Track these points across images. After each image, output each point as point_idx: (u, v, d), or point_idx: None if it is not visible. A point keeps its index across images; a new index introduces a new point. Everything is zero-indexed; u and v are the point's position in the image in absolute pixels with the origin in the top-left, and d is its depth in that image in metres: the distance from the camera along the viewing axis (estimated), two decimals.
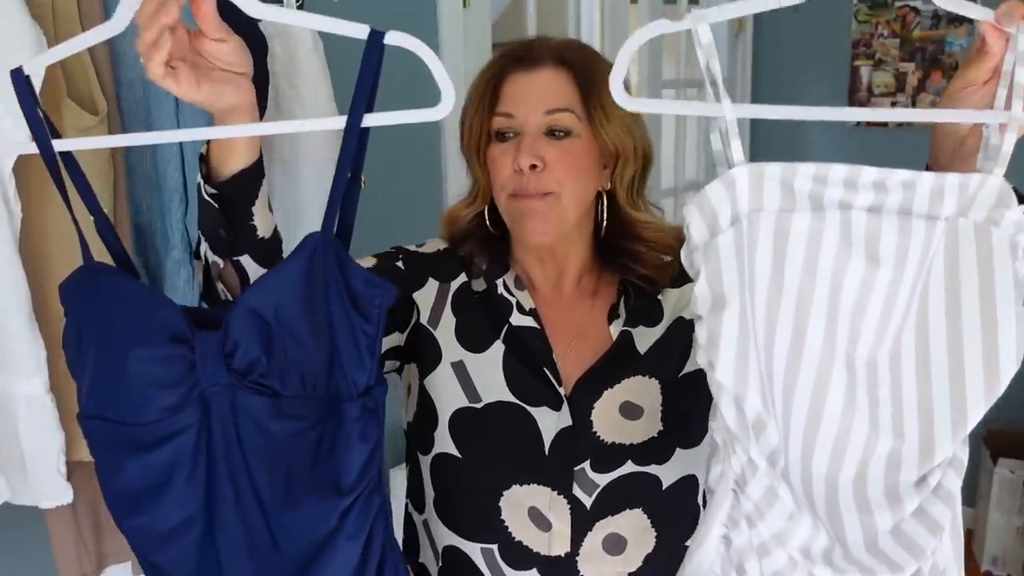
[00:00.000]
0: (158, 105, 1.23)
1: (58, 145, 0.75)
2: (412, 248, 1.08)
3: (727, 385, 0.67)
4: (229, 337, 0.69)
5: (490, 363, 1.00)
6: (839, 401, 0.67)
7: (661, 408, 0.98)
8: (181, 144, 1.23)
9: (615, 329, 1.01)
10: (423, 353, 1.02)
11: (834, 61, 3.03)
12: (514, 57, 0.98)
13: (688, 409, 0.98)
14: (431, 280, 1.04)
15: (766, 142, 3.22)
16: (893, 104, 2.94)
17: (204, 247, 0.83)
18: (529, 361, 1.00)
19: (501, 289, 1.03)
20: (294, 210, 1.45)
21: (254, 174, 0.80)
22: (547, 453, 0.96)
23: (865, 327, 0.66)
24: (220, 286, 0.85)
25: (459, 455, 0.98)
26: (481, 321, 1.02)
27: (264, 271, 0.81)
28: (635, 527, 0.98)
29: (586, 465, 0.96)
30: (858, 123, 3.01)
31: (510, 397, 0.98)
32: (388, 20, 2.13)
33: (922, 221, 0.66)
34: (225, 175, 0.79)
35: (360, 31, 0.68)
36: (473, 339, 1.01)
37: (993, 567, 2.74)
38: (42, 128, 0.75)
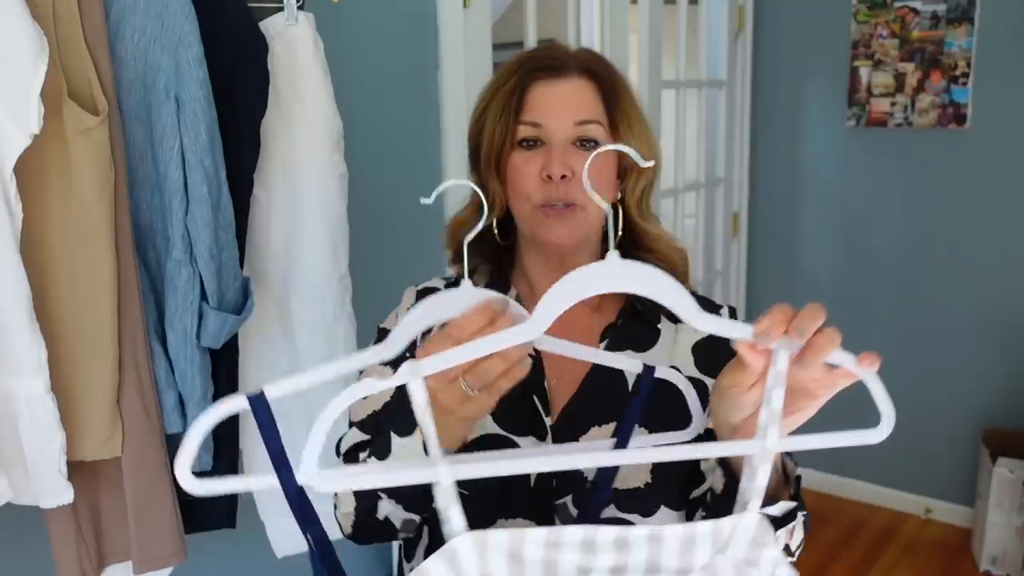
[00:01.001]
0: (158, 106, 1.23)
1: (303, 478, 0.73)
2: (386, 326, 1.06)
3: None
4: None
5: None
6: None
7: (652, 463, 0.94)
8: (182, 144, 1.23)
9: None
10: None
11: (834, 61, 3.03)
12: (538, 66, 0.98)
13: (678, 471, 0.95)
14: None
15: (767, 143, 3.23)
16: (892, 104, 2.94)
17: (386, 509, 0.88)
18: (518, 390, 0.96)
19: None
20: (294, 209, 1.45)
21: None
22: (532, 485, 0.94)
23: None
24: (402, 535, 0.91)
25: None
26: None
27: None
28: None
29: (568, 500, 0.94)
30: (856, 123, 3.02)
31: (496, 429, 0.96)
32: (388, 20, 2.15)
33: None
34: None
35: (635, 366, 0.81)
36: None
37: (992, 567, 2.74)
38: (284, 459, 0.74)
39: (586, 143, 0.96)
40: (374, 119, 1.81)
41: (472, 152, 1.02)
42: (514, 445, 0.95)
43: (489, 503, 0.94)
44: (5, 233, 1.10)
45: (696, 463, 0.96)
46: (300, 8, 1.41)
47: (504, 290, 1.02)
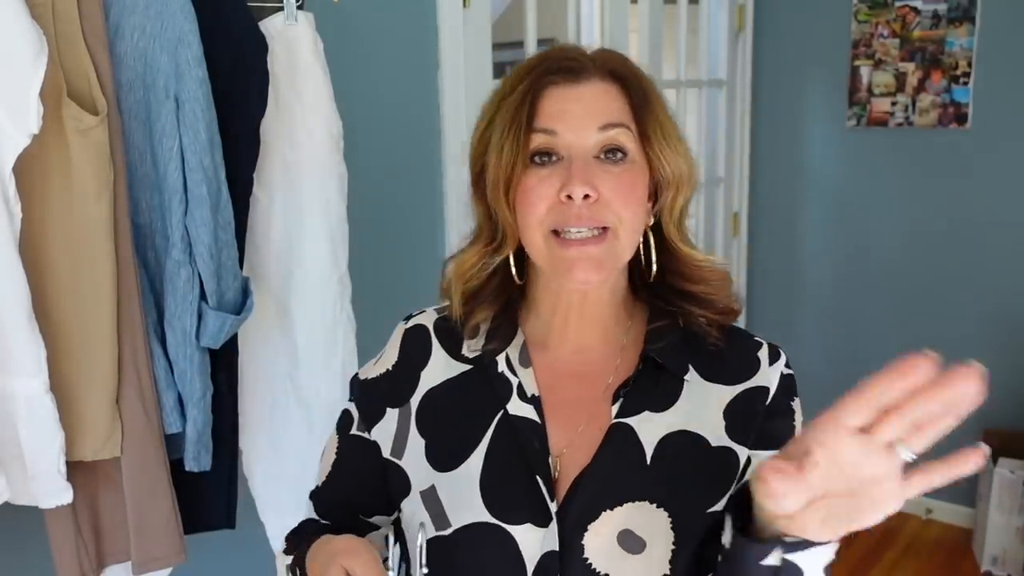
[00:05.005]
0: (157, 106, 1.23)
1: None
2: (364, 378, 0.95)
3: None
4: None
5: (466, 479, 0.84)
6: None
7: (672, 548, 0.80)
8: (181, 143, 1.23)
9: (613, 416, 0.85)
10: (393, 491, 0.90)
11: (834, 61, 3.03)
12: (552, 68, 0.83)
13: (702, 553, 0.81)
14: (388, 410, 0.91)
15: (767, 143, 3.23)
16: (893, 104, 2.94)
17: None
18: (519, 464, 0.83)
19: (503, 367, 0.88)
20: (294, 209, 1.45)
21: None
22: None
23: None
24: None
25: None
26: (463, 417, 0.87)
27: None
28: None
29: None
30: (856, 123, 3.01)
31: (486, 517, 0.82)
32: (388, 20, 2.15)
33: None
34: None
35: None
36: (448, 453, 0.86)
37: (993, 567, 2.74)
38: None
39: (612, 153, 0.81)
40: (374, 119, 1.81)
41: (476, 176, 0.86)
42: (506, 536, 0.81)
43: None
44: (4, 233, 1.10)
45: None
46: (300, 8, 1.41)
47: (511, 335, 0.89)
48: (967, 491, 2.97)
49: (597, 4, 2.67)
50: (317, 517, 0.99)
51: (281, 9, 1.39)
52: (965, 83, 2.80)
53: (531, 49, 2.24)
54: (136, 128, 1.25)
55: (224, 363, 1.37)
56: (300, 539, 0.93)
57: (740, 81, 3.16)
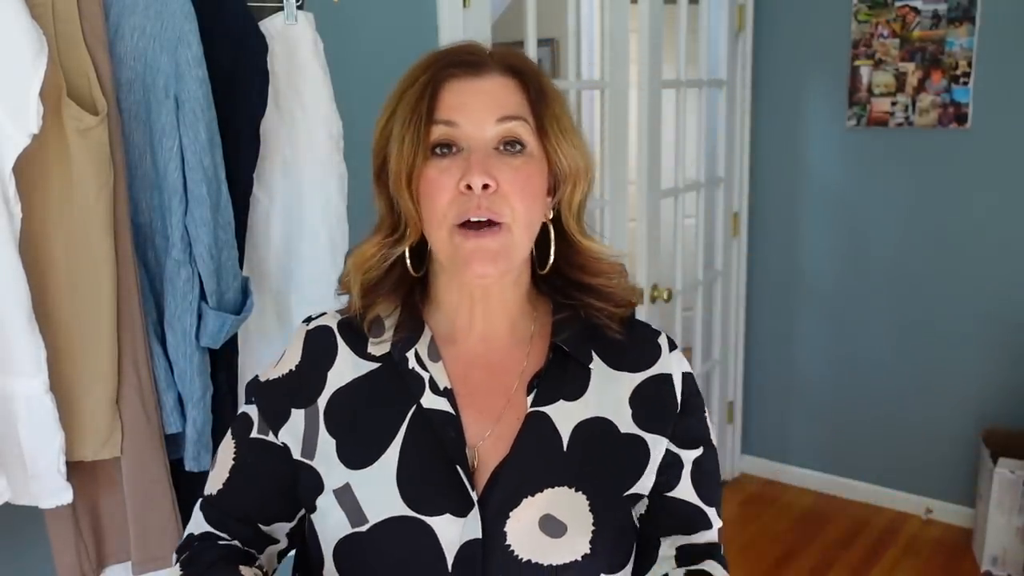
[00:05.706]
0: (157, 106, 1.23)
1: None
2: (264, 379, 0.94)
3: None
4: None
5: (382, 474, 0.84)
6: None
7: (592, 529, 0.83)
8: (181, 143, 1.23)
9: (530, 405, 0.88)
10: (304, 491, 0.88)
11: (834, 61, 3.03)
12: (452, 62, 0.86)
13: (620, 533, 0.86)
14: (293, 411, 0.89)
15: (767, 143, 3.23)
16: (893, 104, 2.94)
17: None
18: (436, 455, 0.85)
19: (412, 363, 0.89)
20: (294, 209, 1.45)
21: None
22: (450, 571, 0.81)
23: None
24: None
25: None
26: (375, 414, 0.88)
27: None
28: None
29: None
30: (856, 123, 3.01)
31: (404, 510, 0.82)
32: (388, 20, 2.14)
33: None
34: None
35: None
36: (361, 450, 0.86)
37: (993, 567, 2.74)
38: None
39: (511, 145, 0.84)
40: (374, 119, 1.81)
41: (378, 168, 0.88)
42: (425, 528, 0.81)
43: None
44: (4, 233, 1.10)
45: (638, 525, 0.89)
46: (300, 8, 1.41)
47: (418, 331, 0.90)
48: (967, 491, 2.98)
49: (597, 4, 2.68)
50: (209, 528, 0.91)
51: (281, 9, 1.39)
52: (965, 83, 2.80)
53: (531, 49, 2.24)
54: (136, 128, 1.25)
55: (224, 363, 1.37)
56: (205, 565, 0.86)
57: (740, 81, 3.16)
